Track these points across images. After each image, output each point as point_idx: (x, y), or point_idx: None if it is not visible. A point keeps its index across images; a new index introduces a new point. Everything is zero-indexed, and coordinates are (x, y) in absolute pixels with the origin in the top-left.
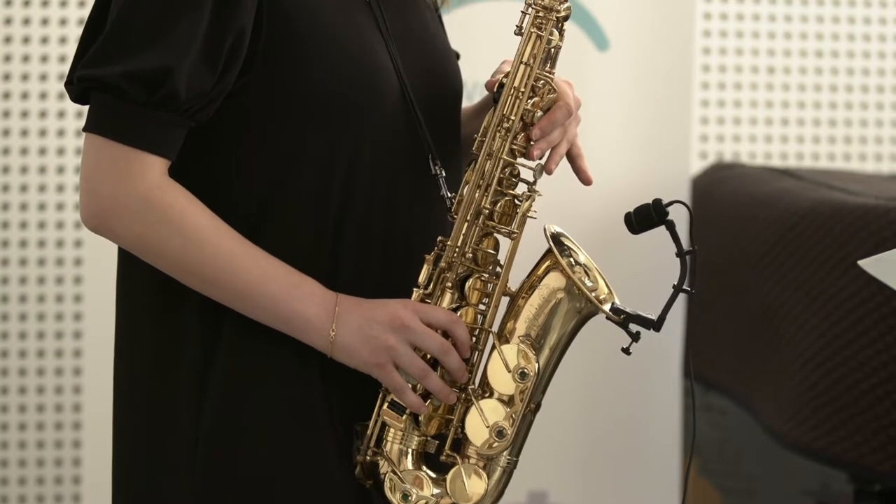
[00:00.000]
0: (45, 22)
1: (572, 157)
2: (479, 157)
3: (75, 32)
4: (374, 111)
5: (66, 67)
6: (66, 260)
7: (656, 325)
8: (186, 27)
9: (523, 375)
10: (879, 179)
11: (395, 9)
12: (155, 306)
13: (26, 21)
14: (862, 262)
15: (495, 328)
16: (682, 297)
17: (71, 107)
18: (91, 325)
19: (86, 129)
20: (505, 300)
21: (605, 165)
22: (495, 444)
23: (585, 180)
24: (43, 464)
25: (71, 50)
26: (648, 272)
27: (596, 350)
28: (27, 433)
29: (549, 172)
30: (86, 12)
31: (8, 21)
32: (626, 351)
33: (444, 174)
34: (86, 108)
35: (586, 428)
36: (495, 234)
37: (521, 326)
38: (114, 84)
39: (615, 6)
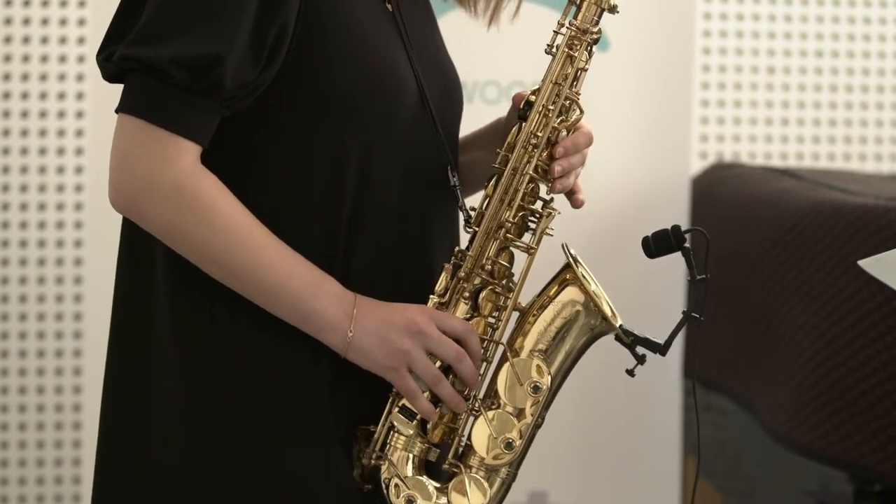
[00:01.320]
0: (45, 22)
1: (570, 191)
2: (505, 172)
3: (75, 32)
4: (391, 119)
5: (67, 67)
6: (66, 260)
7: (662, 349)
8: (235, 16)
9: (536, 389)
10: (879, 179)
11: (414, 22)
12: (164, 300)
13: (26, 21)
14: (862, 262)
15: (505, 340)
16: (681, 294)
17: (71, 107)
18: (91, 325)
19: (121, 109)
20: (514, 313)
21: (605, 165)
22: (503, 456)
23: (576, 204)
24: (43, 464)
25: (71, 50)
26: (648, 269)
27: (596, 350)
28: (27, 433)
29: (552, 192)
30: (86, 12)
31: (8, 21)
32: (631, 373)
33: (461, 186)
34: (83, 105)
35: (587, 428)
36: (511, 248)
37: (533, 339)
38: (160, 67)
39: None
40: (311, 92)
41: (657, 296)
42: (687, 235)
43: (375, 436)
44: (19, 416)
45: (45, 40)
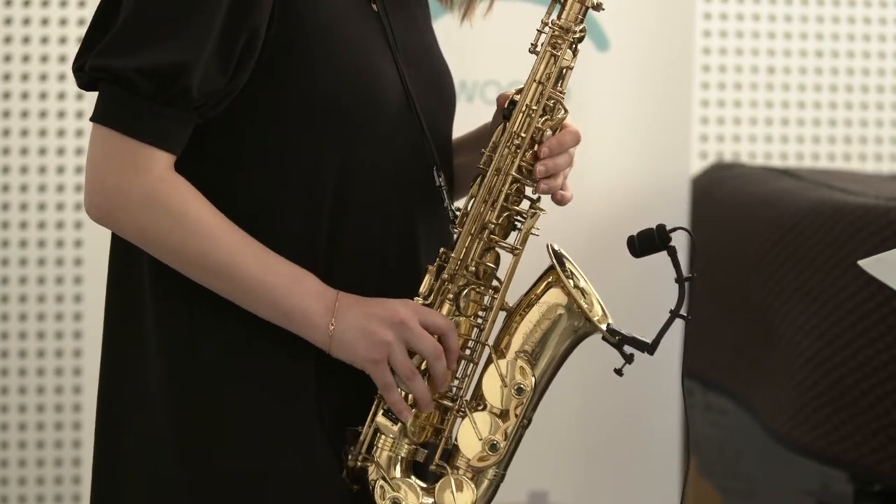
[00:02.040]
0: (45, 22)
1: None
2: (488, 172)
3: (75, 32)
4: (374, 120)
5: (66, 67)
6: (66, 260)
7: (650, 348)
8: (203, 24)
9: (520, 390)
10: (879, 179)
11: (401, 21)
12: (149, 305)
13: (26, 21)
14: (862, 262)
15: (491, 342)
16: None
17: (71, 107)
18: (91, 325)
19: (94, 119)
20: (501, 315)
21: (605, 165)
22: (488, 458)
23: (555, 198)
24: (43, 464)
25: (71, 50)
26: (648, 270)
27: (596, 350)
28: (27, 433)
29: (538, 192)
30: (86, 12)
31: (8, 21)
32: (619, 372)
33: (446, 186)
34: (83, 105)
35: (586, 428)
36: (496, 249)
37: (517, 341)
38: (126, 77)
39: (615, 6)
40: (293, 94)
41: (658, 296)
42: (672, 235)
43: (361, 437)
44: (19, 416)
45: (45, 40)
